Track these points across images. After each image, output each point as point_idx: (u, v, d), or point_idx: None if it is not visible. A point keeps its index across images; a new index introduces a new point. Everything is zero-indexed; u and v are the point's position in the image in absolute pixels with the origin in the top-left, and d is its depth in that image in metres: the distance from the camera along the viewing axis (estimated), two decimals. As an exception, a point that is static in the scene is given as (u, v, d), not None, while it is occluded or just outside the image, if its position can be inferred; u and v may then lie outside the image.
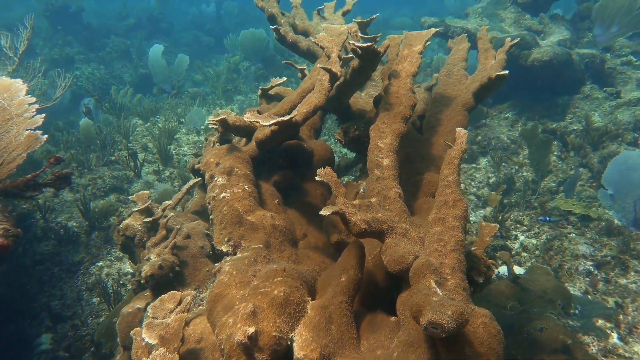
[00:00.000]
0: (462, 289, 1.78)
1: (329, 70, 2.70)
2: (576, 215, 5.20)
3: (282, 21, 4.48)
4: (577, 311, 4.05)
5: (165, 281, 2.58)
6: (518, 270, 4.65)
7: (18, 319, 5.17)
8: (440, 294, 1.69)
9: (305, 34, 4.62)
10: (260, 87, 3.54)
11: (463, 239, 1.92)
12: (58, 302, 5.08)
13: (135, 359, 2.02)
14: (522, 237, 5.25)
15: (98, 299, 4.94)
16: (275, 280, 1.94)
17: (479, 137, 7.17)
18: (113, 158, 6.67)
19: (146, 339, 2.01)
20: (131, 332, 2.11)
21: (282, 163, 3.03)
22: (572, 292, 4.33)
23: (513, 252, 5.10)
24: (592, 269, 4.51)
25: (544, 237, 5.07)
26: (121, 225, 2.94)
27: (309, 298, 1.96)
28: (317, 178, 2.05)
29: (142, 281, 2.56)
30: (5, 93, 2.39)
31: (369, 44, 2.56)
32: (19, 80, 2.48)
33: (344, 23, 5.08)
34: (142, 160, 6.53)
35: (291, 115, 2.49)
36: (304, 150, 3.08)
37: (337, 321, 1.88)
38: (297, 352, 1.75)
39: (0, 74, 5.03)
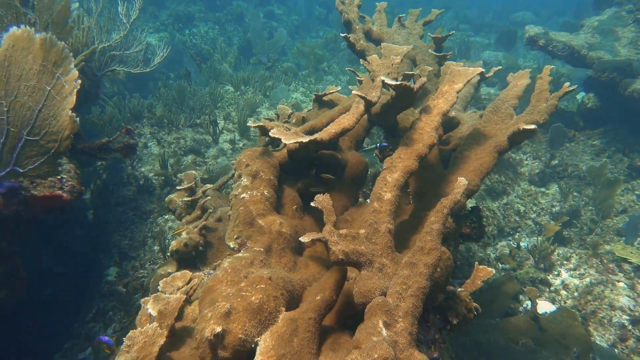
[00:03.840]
0: (408, 332, 1.95)
1: (363, 98, 2.88)
2: (632, 264, 4.94)
3: (357, 27, 4.63)
4: (594, 363, 3.97)
5: (188, 257, 2.98)
6: (547, 308, 4.58)
7: (97, 251, 6.01)
8: (385, 334, 1.89)
9: (379, 41, 4.74)
10: (314, 93, 3.77)
11: (426, 286, 2.07)
12: (127, 242, 5.81)
13: (138, 324, 2.43)
14: (565, 275, 5.10)
15: (158, 247, 5.58)
16: (257, 286, 2.23)
17: (555, 161, 6.87)
18: (198, 121, 7.29)
19: (149, 310, 2.40)
20: (142, 299, 2.52)
21: (314, 171, 3.28)
22: (597, 342, 4.22)
23: (551, 289, 4.99)
24: (626, 323, 4.33)
25: (587, 279, 4.90)
26: (166, 199, 3.38)
27: (284, 309, 2.23)
28: (312, 204, 2.29)
29: (167, 254, 2.98)
30: (61, 66, 2.79)
31: (400, 82, 2.69)
32: (63, 44, 2.84)
33: (422, 33, 5.11)
34: (221, 128, 7.07)
35: (315, 136, 2.72)
36: (337, 160, 3.30)
37: (301, 335, 2.14)
38: (257, 356, 2.03)
39: (113, 38, 5.70)
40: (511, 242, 5.85)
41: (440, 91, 3.01)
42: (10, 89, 2.70)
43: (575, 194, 6.26)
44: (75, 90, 2.88)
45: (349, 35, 4.27)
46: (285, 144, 3.10)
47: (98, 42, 5.36)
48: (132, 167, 6.44)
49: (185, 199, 3.30)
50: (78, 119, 2.81)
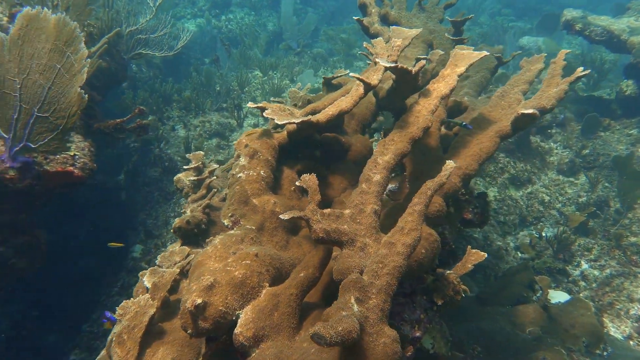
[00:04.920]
0: (379, 309, 1.97)
1: (362, 81, 2.89)
2: (657, 258, 4.76)
3: (373, 10, 4.59)
4: (605, 353, 3.87)
5: (191, 235, 3.09)
6: (562, 297, 4.49)
7: (125, 228, 6.28)
8: (355, 309, 1.93)
9: (397, 25, 4.69)
10: (322, 76, 3.79)
11: (402, 265, 2.08)
12: (152, 221, 6.04)
13: (134, 295, 2.56)
14: (585, 266, 4.97)
15: (179, 227, 5.76)
16: (243, 262, 2.30)
17: (587, 150, 6.64)
18: (225, 105, 7.44)
19: (145, 282, 2.53)
20: (140, 272, 2.65)
21: (316, 153, 3.33)
22: (611, 334, 4.11)
23: (570, 279, 4.87)
24: (645, 317, 4.20)
25: (608, 271, 4.75)
26: (175, 178, 3.51)
27: (267, 284, 2.30)
28: (297, 183, 2.34)
29: (171, 230, 3.10)
30: (71, 45, 2.91)
31: (395, 65, 2.68)
32: (76, 24, 2.95)
33: (442, 17, 5.02)
34: (246, 112, 7.19)
35: (309, 117, 2.75)
36: (340, 143, 3.33)
37: (282, 310, 2.21)
38: (237, 327, 2.11)
39: (140, 22, 5.88)
40: (533, 232, 5.73)
41: (441, 74, 2.98)
42: (24, 67, 2.85)
43: (606, 184, 6.05)
44: (84, 69, 3.00)
45: (362, 19, 4.25)
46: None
47: (125, 26, 5.54)
48: (159, 149, 6.66)
49: (192, 178, 3.41)
50: (86, 95, 2.93)
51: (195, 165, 3.47)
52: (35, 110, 2.85)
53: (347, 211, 2.35)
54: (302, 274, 2.32)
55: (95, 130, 3.66)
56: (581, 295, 4.64)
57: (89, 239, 5.90)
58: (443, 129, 3.74)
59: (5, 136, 2.86)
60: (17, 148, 2.86)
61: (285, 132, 3.10)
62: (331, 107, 2.91)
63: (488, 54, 3.08)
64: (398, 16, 4.82)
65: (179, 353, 2.34)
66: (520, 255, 5.39)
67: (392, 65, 2.68)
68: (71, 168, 3.14)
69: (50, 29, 3.00)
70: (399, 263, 2.09)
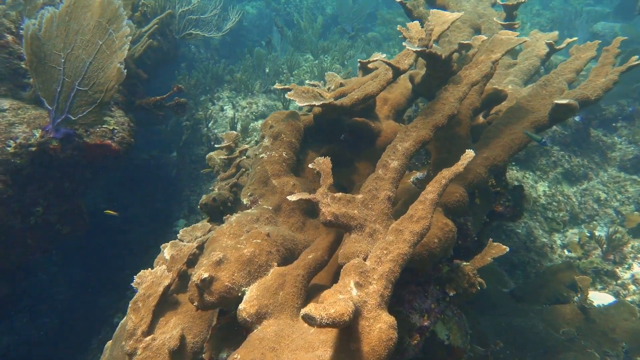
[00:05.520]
0: (379, 294, 1.93)
1: (390, 65, 2.82)
2: None
3: (419, -8, 4.44)
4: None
5: (216, 211, 3.17)
6: (606, 299, 4.24)
7: (172, 203, 6.56)
8: (354, 293, 1.91)
9: (444, 9, 4.52)
10: (359, 60, 3.74)
11: (407, 252, 2.03)
12: (195, 198, 6.24)
13: (154, 265, 2.67)
14: (637, 269, 4.64)
15: (222, 205, 5.92)
16: (254, 241, 2.34)
17: (657, 146, 6.17)
18: (272, 88, 7.50)
19: (164, 254, 2.63)
20: (161, 245, 2.76)
21: (345, 137, 3.30)
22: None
23: (618, 282, 4.58)
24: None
25: (662, 276, 4.44)
26: (207, 156, 3.60)
27: (275, 264, 2.32)
28: (310, 165, 2.33)
29: (198, 207, 3.19)
30: (114, 23, 3.02)
31: (421, 48, 2.59)
32: (120, 3, 3.05)
33: (495, 1, 4.79)
34: (293, 94, 7.22)
35: (331, 100, 2.72)
36: (369, 129, 3.28)
37: (287, 290, 2.23)
38: (242, 303, 2.16)
39: (192, 2, 6.02)
40: (584, 231, 5.42)
41: (475, 61, 2.86)
42: (68, 42, 3.00)
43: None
44: (125, 47, 3.12)
45: (406, 1, 4.13)
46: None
47: (178, 6, 5.69)
48: (207, 128, 6.84)
49: (223, 156, 3.48)
50: (125, 70, 3.04)
51: (227, 144, 3.53)
52: (76, 84, 3.01)
53: (359, 196, 2.33)
54: (310, 256, 2.33)
55: (137, 107, 3.82)
56: (628, 299, 4.36)
57: (142, 212, 6.23)
58: (481, 118, 3.59)
59: (49, 108, 3.04)
60: (60, 120, 3.04)
61: (311, 115, 3.09)
62: (357, 90, 2.87)
63: (528, 39, 2.91)
64: (444, 0, 4.64)
65: (190, 324, 2.42)
66: (567, 253, 5.13)
67: (420, 49, 2.60)
68: (109, 141, 3.30)
69: (95, 6, 3.13)
70: (404, 250, 2.04)
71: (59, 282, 5.56)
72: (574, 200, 5.75)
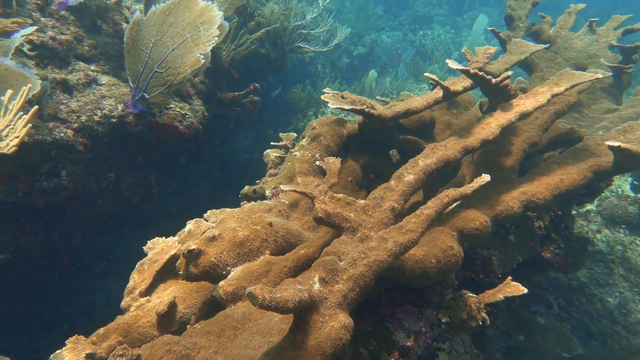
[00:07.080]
0: (342, 295, 1.84)
1: (441, 85, 2.73)
2: None
3: (520, 25, 4.21)
4: None
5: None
6: None
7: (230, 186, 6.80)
8: (315, 287, 1.85)
9: (549, 42, 4.23)
10: (428, 76, 3.64)
11: (384, 261, 1.91)
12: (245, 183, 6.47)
13: (177, 236, 2.82)
14: None
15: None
16: (253, 226, 2.38)
17: None
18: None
19: (187, 228, 2.78)
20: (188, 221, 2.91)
21: (392, 152, 3.23)
22: None
23: None
24: None
25: None
26: (264, 152, 3.74)
27: (268, 252, 2.34)
28: (317, 163, 2.33)
29: (239, 196, 3.33)
30: (207, 24, 3.29)
31: (467, 68, 2.49)
32: (221, 14, 3.32)
33: (614, 41, 4.36)
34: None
35: (369, 110, 2.69)
36: (418, 149, 3.17)
37: (270, 278, 2.23)
38: (222, 281, 2.21)
39: (306, 18, 6.35)
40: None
41: (534, 90, 2.64)
42: (161, 31, 3.37)
43: None
44: (209, 43, 3.39)
45: (500, 32, 3.94)
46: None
47: (293, 20, 6.04)
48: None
49: (277, 154, 3.60)
50: (204, 60, 3.31)
51: (285, 143, 3.65)
52: (156, 66, 3.35)
53: (361, 201, 2.26)
54: (302, 251, 2.31)
55: (217, 100, 4.13)
56: None
57: (201, 194, 6.50)
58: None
59: (132, 85, 3.42)
60: (137, 97, 3.40)
61: (356, 124, 3.08)
62: (401, 104, 2.81)
63: (602, 76, 2.61)
64: (554, 35, 4.34)
65: (185, 295, 2.52)
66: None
67: (461, 68, 2.48)
68: (177, 124, 3.60)
69: (196, 9, 3.47)
70: (382, 258, 1.93)
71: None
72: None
